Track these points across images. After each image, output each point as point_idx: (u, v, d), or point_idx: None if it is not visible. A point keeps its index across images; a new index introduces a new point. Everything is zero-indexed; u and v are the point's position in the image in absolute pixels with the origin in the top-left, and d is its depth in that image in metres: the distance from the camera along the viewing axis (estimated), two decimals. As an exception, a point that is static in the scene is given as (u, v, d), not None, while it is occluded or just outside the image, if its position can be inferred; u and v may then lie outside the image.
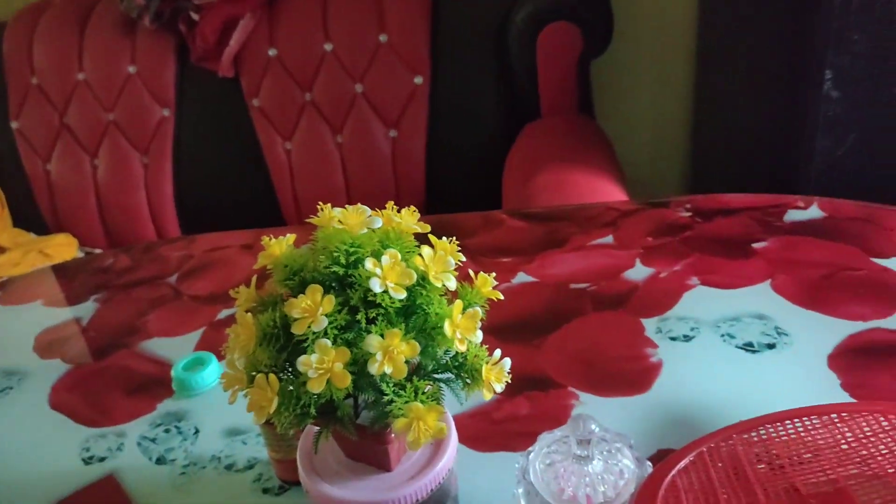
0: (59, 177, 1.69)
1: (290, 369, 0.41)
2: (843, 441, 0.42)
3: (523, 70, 1.42)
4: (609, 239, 0.84)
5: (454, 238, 0.44)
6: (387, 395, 0.39)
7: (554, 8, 1.34)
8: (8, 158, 1.70)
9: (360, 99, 1.53)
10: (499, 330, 0.71)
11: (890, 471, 0.39)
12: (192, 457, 0.62)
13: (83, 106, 1.64)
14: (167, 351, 0.78)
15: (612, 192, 1.13)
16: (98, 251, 1.69)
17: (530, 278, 0.79)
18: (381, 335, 0.38)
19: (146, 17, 1.54)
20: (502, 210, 0.98)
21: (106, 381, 0.74)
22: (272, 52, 1.54)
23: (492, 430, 0.60)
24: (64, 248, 1.64)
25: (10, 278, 1.02)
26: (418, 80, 1.49)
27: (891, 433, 0.41)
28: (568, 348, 0.68)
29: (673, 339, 0.67)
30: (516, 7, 1.39)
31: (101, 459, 0.63)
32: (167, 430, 0.66)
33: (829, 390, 0.58)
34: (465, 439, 0.59)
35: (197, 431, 0.65)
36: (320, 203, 0.43)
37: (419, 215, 0.43)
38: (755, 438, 0.41)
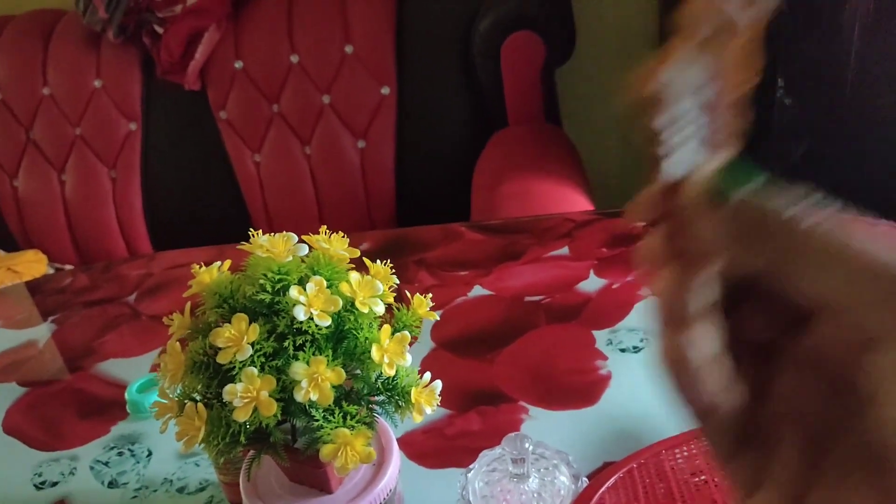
0: (26, 193, 1.68)
1: (221, 397, 0.41)
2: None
3: (488, 79, 1.42)
4: (565, 250, 0.85)
5: (388, 261, 0.44)
6: (316, 420, 0.39)
7: (515, 18, 1.35)
8: (-26, 175, 1.69)
9: (328, 110, 1.53)
10: (454, 345, 0.72)
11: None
12: (144, 480, 0.62)
13: (49, 121, 1.63)
14: (124, 372, 0.77)
15: (577, 201, 1.14)
16: (68, 267, 1.68)
17: (487, 291, 0.80)
18: (307, 362, 0.38)
19: (110, 30, 1.53)
20: (461, 223, 0.99)
21: (61, 404, 0.74)
22: (238, 65, 1.54)
23: (443, 446, 0.60)
24: (33, 264, 1.62)
25: (-31, 299, 1.01)
26: (385, 90, 1.49)
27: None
28: (520, 362, 0.68)
29: (623, 350, 0.68)
30: (479, 17, 1.40)
31: (54, 484, 0.63)
32: (120, 453, 0.65)
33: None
34: (416, 456, 0.59)
35: (150, 454, 0.65)
36: (252, 230, 0.43)
37: (348, 241, 0.43)
38: (685, 453, 0.42)
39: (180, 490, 0.60)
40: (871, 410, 0.18)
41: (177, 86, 1.56)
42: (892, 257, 0.18)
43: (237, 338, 0.38)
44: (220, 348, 0.39)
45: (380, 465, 0.48)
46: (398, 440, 0.49)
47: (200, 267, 0.42)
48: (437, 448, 0.60)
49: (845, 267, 0.18)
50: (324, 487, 0.46)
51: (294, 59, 1.52)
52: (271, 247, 0.41)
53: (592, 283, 0.78)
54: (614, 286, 0.77)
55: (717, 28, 0.19)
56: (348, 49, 1.49)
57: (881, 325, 0.18)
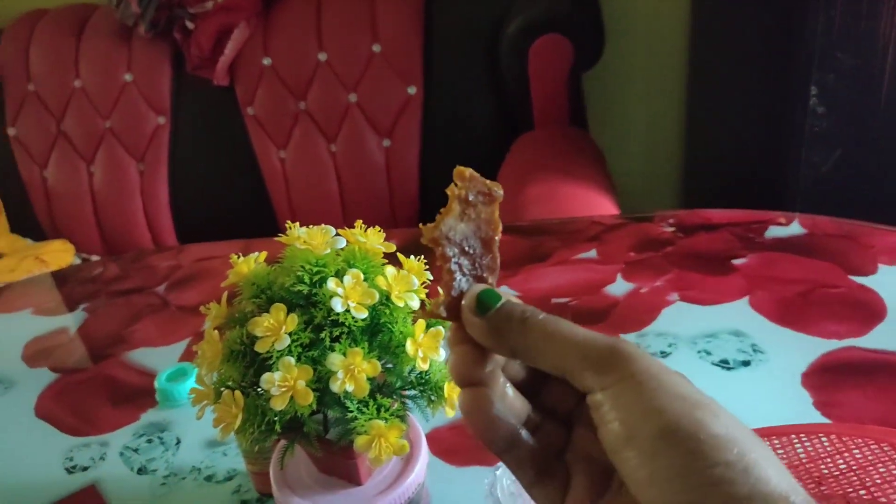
0: (55, 183, 1.70)
1: (257, 386, 0.41)
2: (797, 462, 0.43)
3: (515, 82, 1.43)
4: (592, 253, 0.85)
5: (422, 256, 0.45)
6: (350, 412, 0.40)
7: (545, 21, 1.35)
8: (5, 165, 1.72)
9: (354, 108, 1.54)
10: (479, 343, 0.72)
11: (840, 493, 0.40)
12: (172, 467, 0.63)
13: (80, 113, 1.66)
14: (153, 361, 0.78)
15: (602, 204, 1.14)
16: (94, 257, 1.70)
17: (513, 292, 0.80)
18: (344, 353, 0.39)
19: (142, 25, 1.55)
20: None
21: (92, 391, 0.75)
22: (266, 62, 1.55)
23: (468, 444, 0.60)
24: (60, 254, 1.65)
25: (2, 286, 1.03)
26: (412, 90, 1.50)
27: (845, 454, 0.42)
28: (546, 362, 0.68)
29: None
30: (508, 19, 1.40)
31: (84, 469, 0.64)
32: (149, 441, 0.66)
33: (801, 408, 0.59)
34: (441, 452, 0.59)
35: (178, 442, 0.66)
36: (289, 223, 0.43)
37: (385, 235, 0.43)
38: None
39: (208, 478, 0.61)
40: (600, 437, 0.26)
41: (205, 81, 1.58)
42: (583, 332, 0.26)
43: (275, 327, 0.39)
44: (258, 337, 0.39)
45: (408, 460, 0.48)
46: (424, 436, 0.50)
47: (238, 257, 0.43)
48: (462, 445, 0.60)
49: (554, 345, 0.27)
50: (353, 479, 0.47)
51: (322, 57, 1.53)
52: (309, 239, 0.41)
53: (620, 287, 0.78)
54: (642, 290, 0.77)
55: (477, 195, 0.30)
56: (376, 48, 1.50)
57: (587, 377, 0.26)
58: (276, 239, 0.43)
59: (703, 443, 0.23)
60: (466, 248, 0.29)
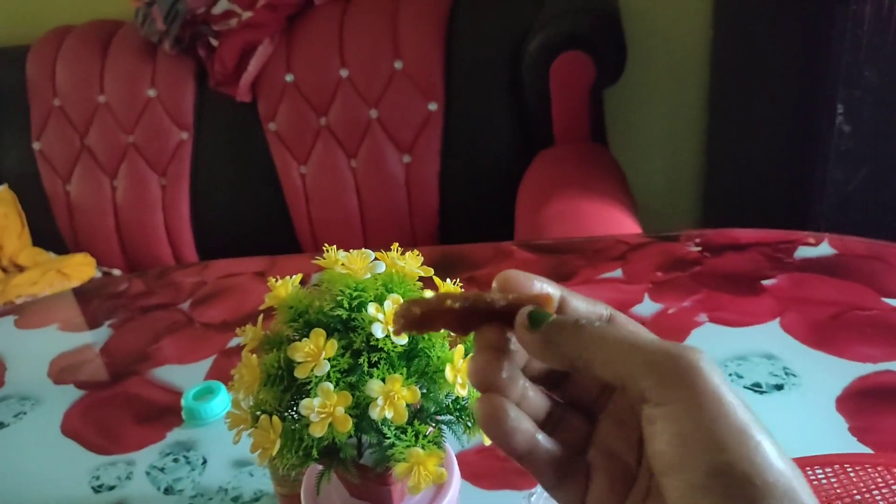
0: (78, 197, 1.72)
1: (293, 410, 0.41)
2: (856, 492, 0.42)
3: (536, 98, 1.43)
4: (618, 273, 0.85)
5: (458, 280, 0.44)
6: (388, 438, 0.40)
7: (567, 37, 1.35)
8: (29, 179, 1.73)
9: (375, 124, 1.54)
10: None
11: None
12: (199, 487, 0.63)
13: (104, 128, 1.67)
14: (178, 378, 0.78)
15: (623, 222, 1.13)
16: (116, 271, 1.72)
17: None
18: (383, 379, 0.39)
19: (166, 42, 1.57)
20: (512, 241, 0.98)
21: (117, 408, 0.75)
22: (289, 78, 1.56)
23: (497, 468, 0.60)
24: (82, 267, 1.66)
25: (26, 301, 1.03)
26: (432, 106, 1.50)
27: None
28: (574, 384, 0.68)
29: (680, 376, 0.66)
30: (530, 36, 1.41)
31: (111, 488, 0.64)
32: (176, 460, 0.66)
33: (836, 434, 0.58)
34: (469, 476, 0.59)
35: (205, 462, 0.65)
36: (325, 245, 0.43)
37: (422, 259, 0.43)
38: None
39: (235, 499, 0.61)
40: (647, 449, 0.26)
41: (228, 97, 1.59)
42: (646, 337, 0.26)
43: (315, 353, 0.38)
44: (296, 362, 0.39)
45: (440, 485, 0.48)
46: (456, 460, 0.49)
47: (276, 280, 0.43)
48: (491, 469, 0.60)
49: (613, 353, 0.26)
50: (385, 504, 0.46)
51: (344, 73, 1.54)
52: (349, 264, 0.41)
53: (647, 307, 0.77)
54: (670, 311, 0.76)
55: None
56: (398, 65, 1.51)
57: (646, 388, 0.25)
58: (314, 261, 0.43)
59: (757, 489, 0.23)
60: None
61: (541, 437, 0.29)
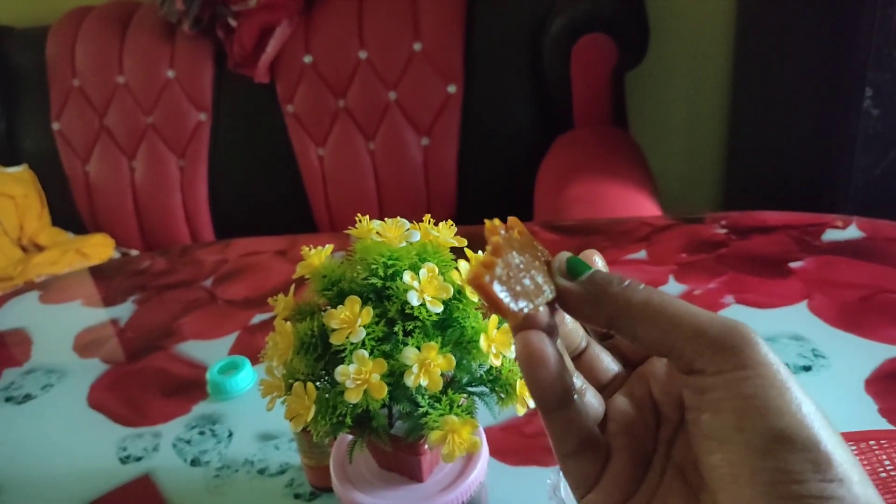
0: (97, 178, 1.73)
1: (326, 378, 0.41)
2: (881, 470, 0.41)
3: (557, 81, 1.42)
4: (642, 254, 0.84)
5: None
6: (422, 407, 0.39)
7: (589, 20, 1.34)
8: (48, 159, 1.75)
9: (394, 106, 1.54)
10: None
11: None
12: (225, 459, 0.63)
13: (123, 109, 1.68)
14: (202, 354, 0.79)
15: (644, 205, 1.13)
16: (134, 251, 1.73)
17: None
18: (418, 347, 0.38)
19: (185, 22, 1.57)
20: (535, 222, 0.98)
21: (143, 382, 0.75)
22: (307, 59, 1.56)
23: (523, 444, 0.60)
24: (101, 247, 1.67)
25: (50, 278, 1.04)
26: (452, 88, 1.50)
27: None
28: (599, 363, 0.67)
29: (706, 356, 0.66)
30: (551, 18, 1.39)
31: (138, 459, 0.64)
32: (202, 433, 0.67)
33: (866, 415, 0.57)
34: (495, 452, 0.59)
35: (231, 434, 0.66)
36: (359, 215, 0.43)
37: (456, 229, 0.43)
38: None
39: (261, 472, 0.61)
40: (692, 419, 0.25)
41: (247, 78, 1.59)
42: (697, 308, 0.25)
43: (351, 320, 0.38)
44: (331, 329, 0.39)
45: (469, 458, 0.48)
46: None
47: (310, 249, 0.43)
48: (516, 445, 0.60)
49: (662, 318, 0.25)
50: (414, 476, 0.46)
51: (363, 55, 1.53)
52: (384, 232, 0.41)
53: (672, 289, 0.77)
54: (696, 292, 0.76)
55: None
56: (417, 46, 1.50)
57: (698, 357, 0.25)
58: (346, 231, 0.43)
59: (821, 454, 0.23)
60: (513, 278, 0.27)
61: (575, 396, 0.28)
